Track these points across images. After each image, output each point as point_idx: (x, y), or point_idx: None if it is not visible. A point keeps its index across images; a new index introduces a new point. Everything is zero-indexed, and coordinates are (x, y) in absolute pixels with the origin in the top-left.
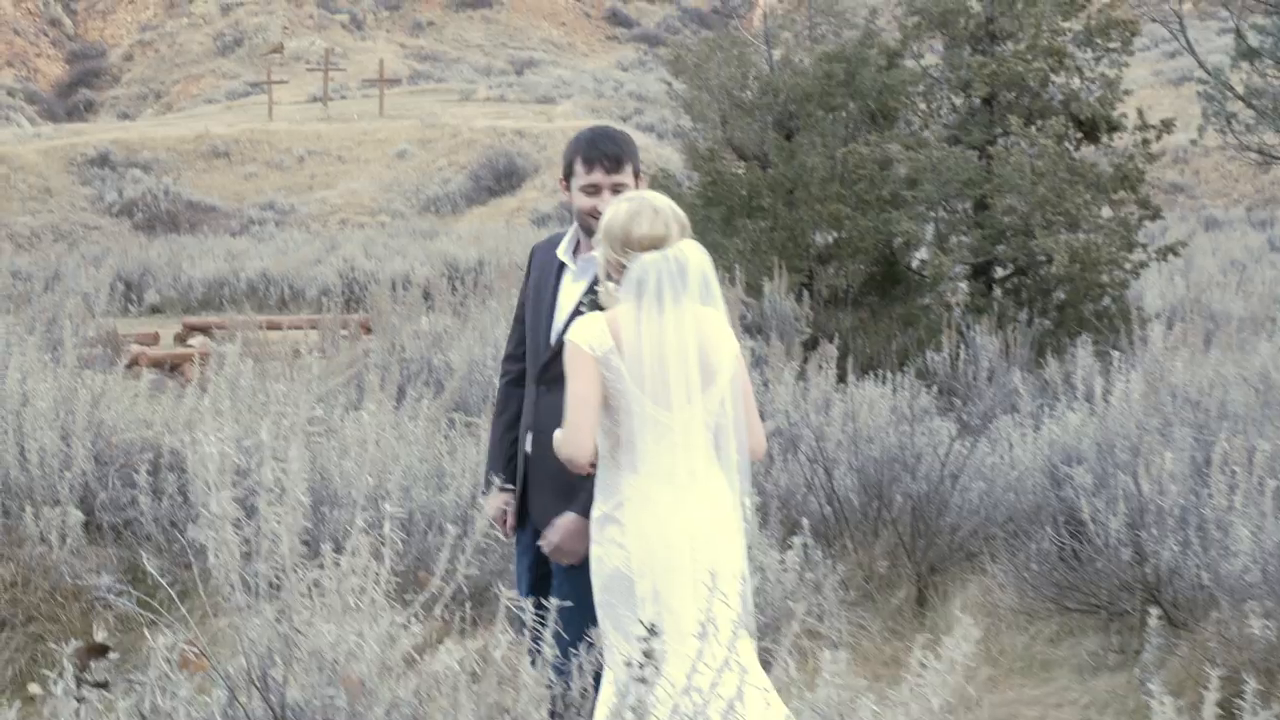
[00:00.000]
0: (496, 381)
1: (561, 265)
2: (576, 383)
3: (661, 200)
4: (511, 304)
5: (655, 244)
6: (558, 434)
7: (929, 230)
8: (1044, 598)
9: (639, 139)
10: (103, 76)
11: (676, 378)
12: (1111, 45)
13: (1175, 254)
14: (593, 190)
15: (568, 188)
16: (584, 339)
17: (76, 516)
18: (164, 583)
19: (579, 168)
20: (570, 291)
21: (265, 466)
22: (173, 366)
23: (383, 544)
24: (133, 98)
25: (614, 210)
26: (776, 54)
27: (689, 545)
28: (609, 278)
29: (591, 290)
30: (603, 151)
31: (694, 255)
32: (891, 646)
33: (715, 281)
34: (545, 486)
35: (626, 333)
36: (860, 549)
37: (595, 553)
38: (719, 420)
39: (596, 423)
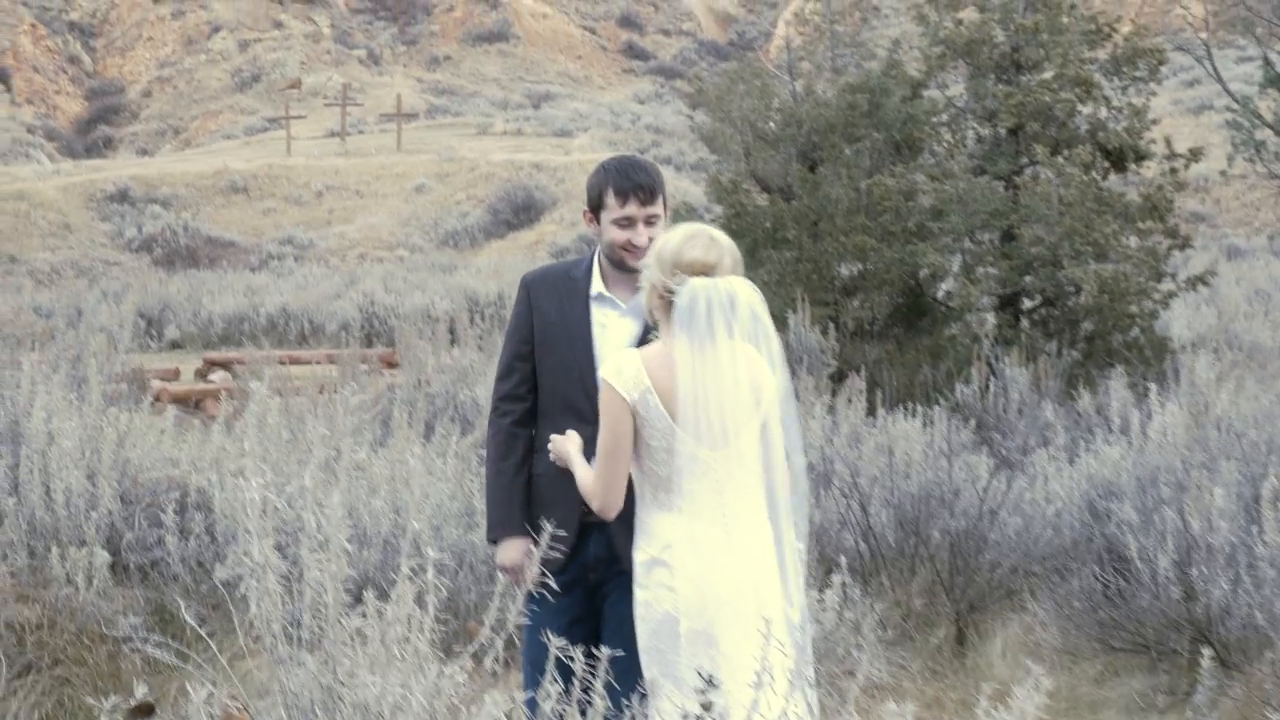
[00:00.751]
0: (501, 428)
1: (587, 298)
2: (609, 433)
3: (719, 233)
4: None
5: (705, 270)
6: (586, 482)
7: (955, 262)
8: (1088, 636)
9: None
10: (121, 113)
11: (725, 413)
12: (1138, 74)
13: (1205, 284)
14: (626, 223)
15: (595, 220)
16: (620, 380)
17: (103, 557)
18: (197, 627)
19: (611, 200)
20: (614, 326)
21: (307, 512)
22: (195, 403)
23: (426, 590)
24: (151, 134)
25: (670, 233)
26: (799, 85)
27: (740, 587)
28: (655, 302)
29: (645, 333)
30: (637, 183)
31: (744, 291)
32: (933, 687)
33: (767, 319)
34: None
35: (670, 369)
36: (897, 587)
37: (642, 598)
38: (766, 459)
39: (627, 474)
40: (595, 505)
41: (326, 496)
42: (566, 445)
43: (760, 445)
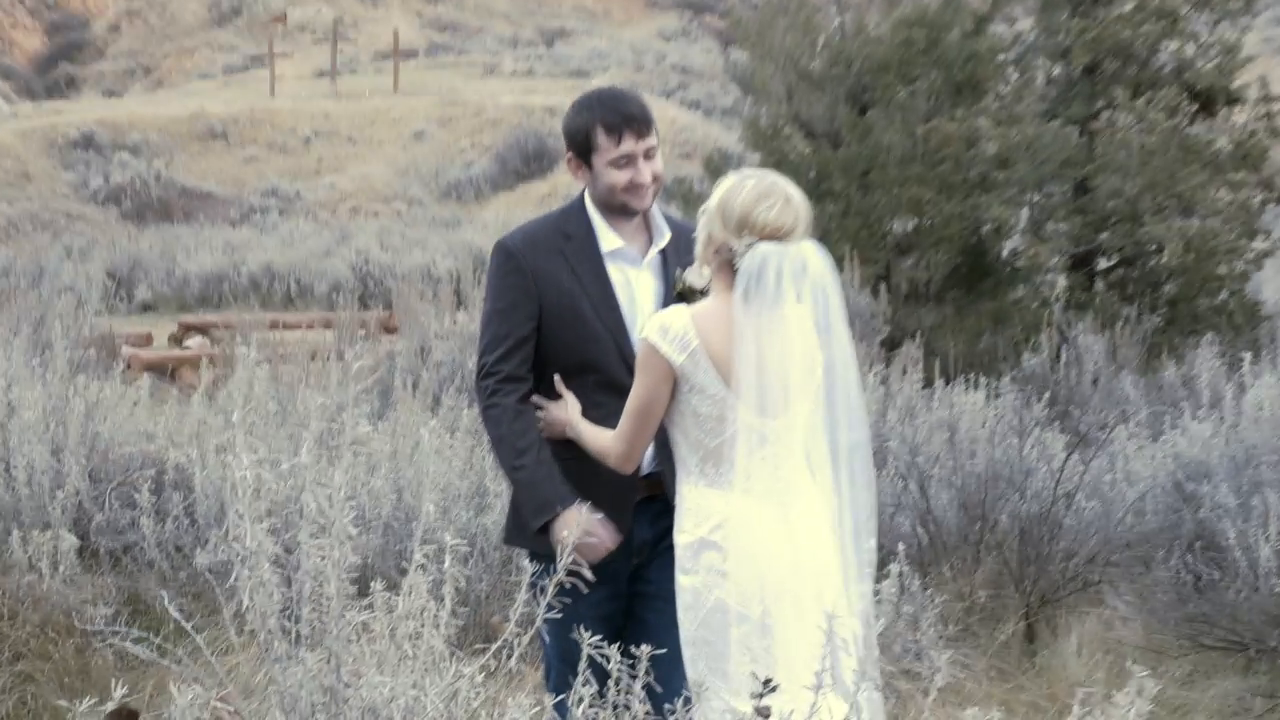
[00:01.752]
0: (506, 406)
1: (599, 256)
2: (644, 393)
3: (794, 188)
4: None
5: (778, 234)
6: (601, 442)
7: (1022, 216)
8: (1175, 633)
9: (684, 118)
10: (86, 50)
11: (789, 383)
12: (1231, 6)
13: None
14: (625, 162)
15: (583, 166)
16: (665, 340)
17: (70, 541)
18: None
19: (602, 140)
20: (635, 282)
21: (307, 493)
22: (171, 371)
23: (442, 580)
24: (119, 73)
25: (734, 185)
26: (848, 18)
27: (801, 572)
28: (710, 256)
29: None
30: (629, 114)
31: (815, 258)
32: (999, 689)
33: (837, 287)
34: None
35: (725, 329)
36: (960, 577)
37: (688, 585)
38: (832, 436)
39: (653, 437)
40: (612, 461)
41: (326, 475)
42: (564, 412)
43: (825, 419)
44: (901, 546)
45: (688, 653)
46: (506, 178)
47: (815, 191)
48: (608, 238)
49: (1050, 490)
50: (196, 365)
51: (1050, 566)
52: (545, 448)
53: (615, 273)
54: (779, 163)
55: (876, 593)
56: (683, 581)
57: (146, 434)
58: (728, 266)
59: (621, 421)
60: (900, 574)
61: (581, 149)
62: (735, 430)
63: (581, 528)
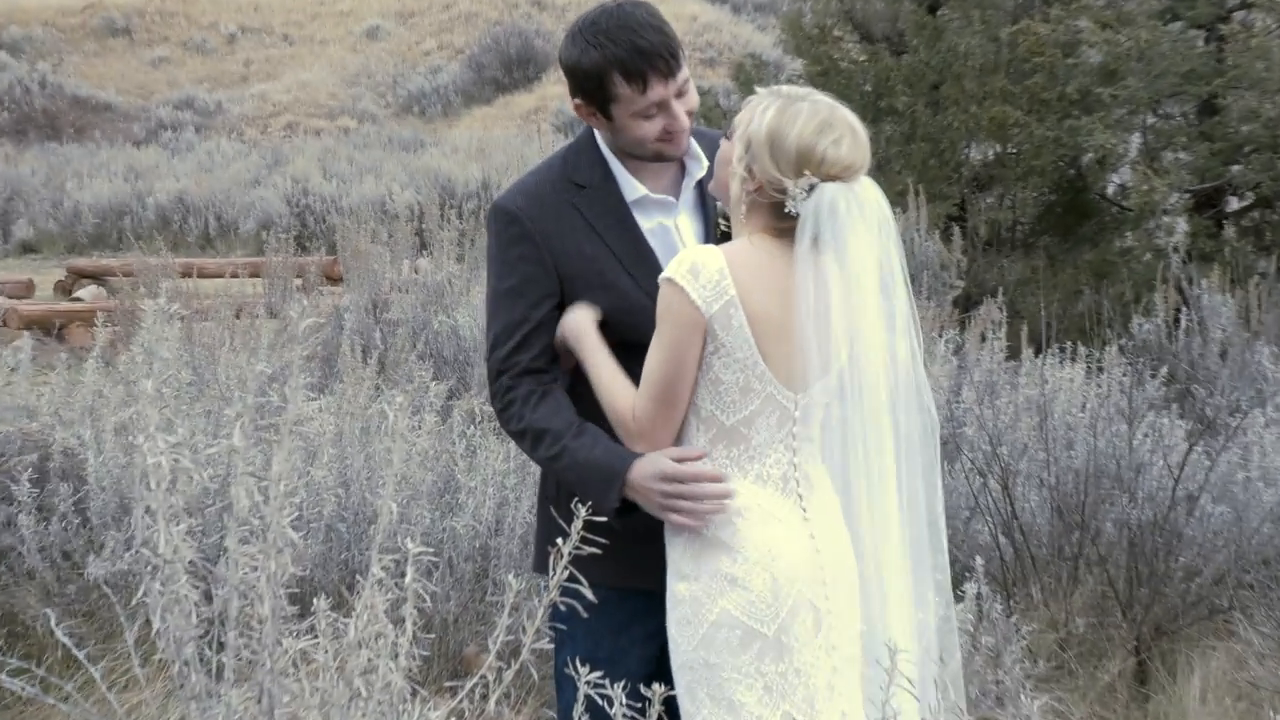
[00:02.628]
0: (520, 395)
1: (624, 205)
2: (669, 354)
3: (854, 117)
4: None
5: (845, 174)
6: (618, 397)
7: (1133, 144)
8: None
9: (707, 14)
10: None
11: (851, 349)
12: None
13: None
14: (656, 110)
15: (597, 115)
16: (695, 285)
17: None
18: (70, 645)
19: (622, 88)
20: (684, 230)
21: (236, 486)
22: (59, 329)
23: (403, 598)
24: None
25: (783, 111)
26: None
27: (824, 580)
28: (754, 197)
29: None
30: (650, 50)
31: (879, 203)
32: None
33: (898, 245)
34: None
35: (764, 278)
36: (1053, 601)
37: (685, 593)
38: (894, 418)
39: (683, 413)
40: (624, 433)
41: (261, 462)
42: (580, 324)
43: (889, 398)
44: (979, 561)
45: (682, 680)
46: (483, 88)
47: (873, 110)
48: (631, 184)
49: (1168, 491)
50: (90, 321)
51: (1167, 588)
52: (586, 423)
53: (647, 223)
54: (826, 73)
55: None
56: (679, 590)
57: (26, 409)
58: (770, 209)
59: (641, 390)
60: (978, 596)
61: (594, 96)
62: (759, 405)
63: (660, 462)
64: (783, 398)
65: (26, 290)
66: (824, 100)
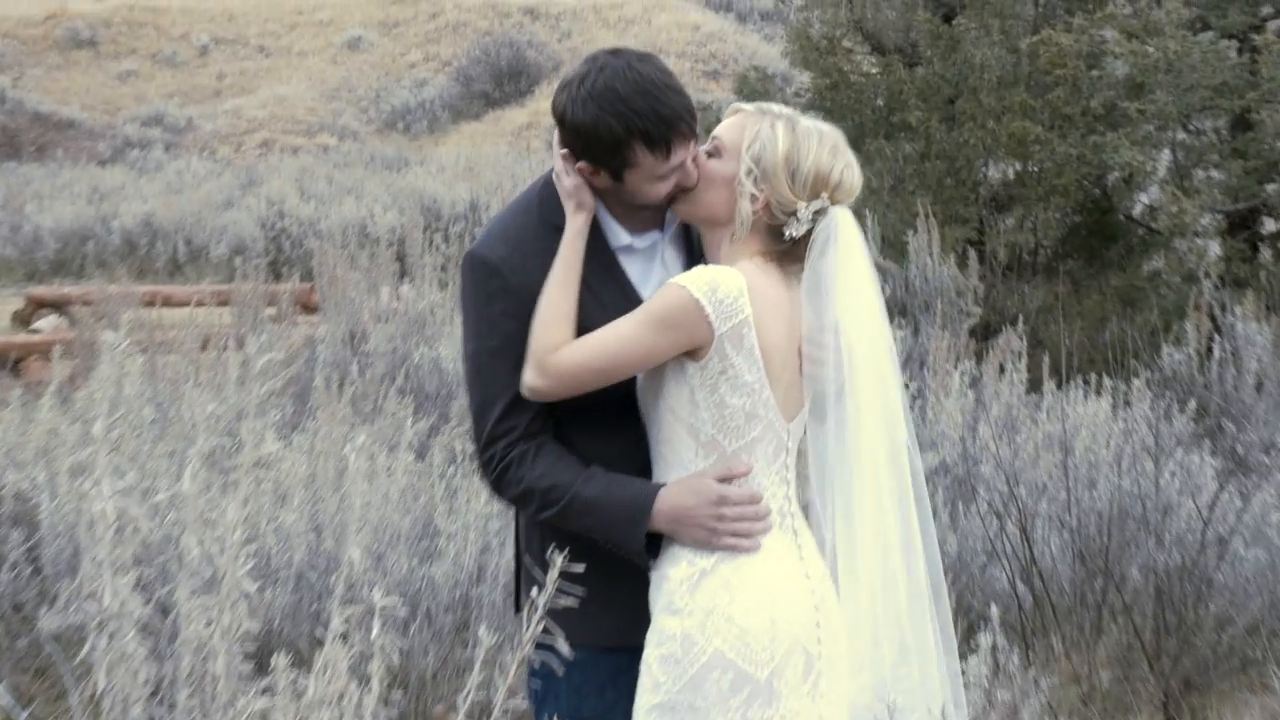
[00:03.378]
0: (515, 458)
1: (610, 253)
2: (647, 341)
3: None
4: None
5: (850, 198)
6: (552, 337)
7: (1162, 161)
8: None
9: (710, 23)
10: None
11: (852, 377)
12: None
13: None
14: (671, 172)
15: (600, 173)
16: (712, 300)
17: None
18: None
19: (645, 157)
20: (655, 275)
21: (189, 534)
22: (15, 362)
23: (369, 654)
24: None
25: (800, 137)
26: None
27: (816, 623)
28: (762, 215)
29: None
30: (672, 116)
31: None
32: None
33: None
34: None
35: (774, 303)
36: (1075, 652)
37: (677, 630)
38: (890, 447)
39: (590, 388)
40: (532, 361)
41: (217, 508)
42: (576, 231)
43: (885, 426)
44: (995, 609)
45: None
46: (471, 103)
47: (885, 126)
48: (616, 231)
49: (1197, 534)
50: (49, 355)
51: (1197, 638)
52: (592, 466)
53: (634, 269)
54: (835, 86)
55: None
56: (669, 626)
57: None
58: (769, 230)
59: (580, 344)
60: (994, 647)
61: (608, 162)
62: (760, 432)
63: (721, 493)
64: (779, 426)
65: None
66: (817, 122)
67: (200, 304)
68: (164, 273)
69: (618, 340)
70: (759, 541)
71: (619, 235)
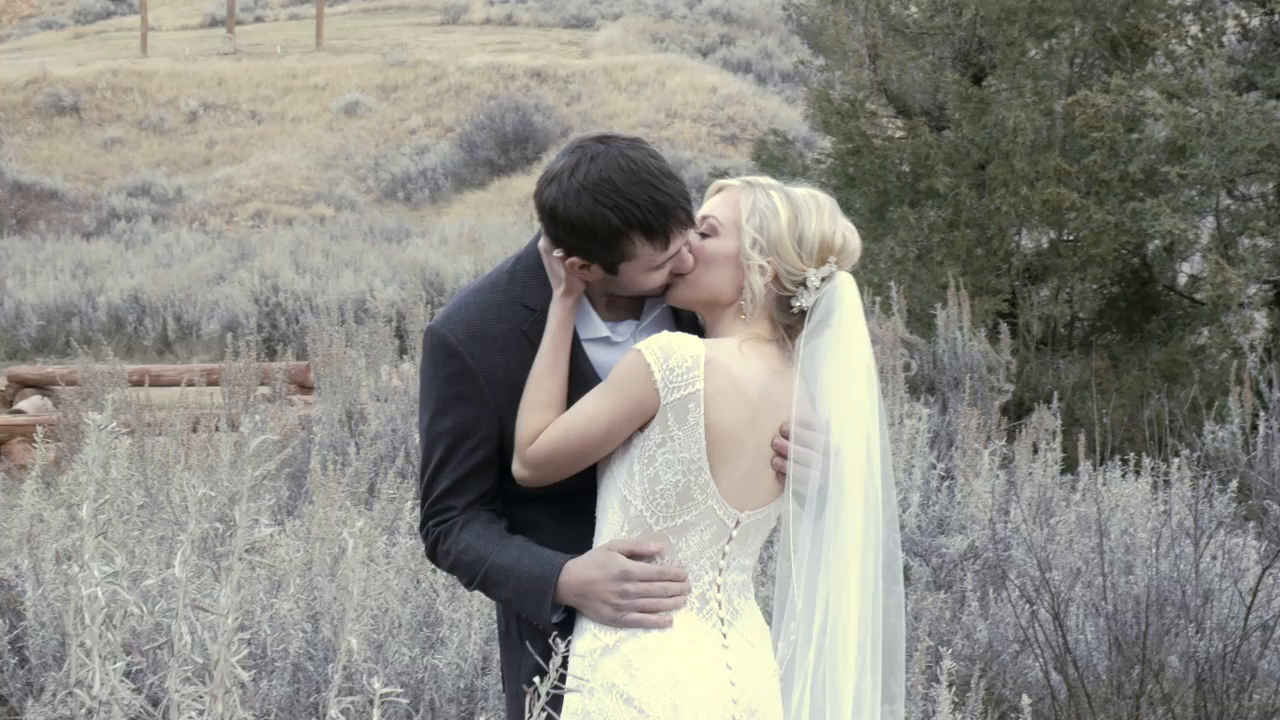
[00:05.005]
0: (443, 530)
1: (577, 343)
2: (605, 414)
3: None
4: None
5: (851, 262)
6: (533, 423)
7: (1205, 229)
8: None
9: (732, 86)
10: None
11: (842, 457)
12: None
13: None
14: (667, 261)
15: (592, 269)
16: (663, 365)
17: None
18: None
19: (644, 248)
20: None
21: (178, 621)
22: None
23: None
24: None
25: (798, 204)
26: None
27: (739, 714)
28: (772, 287)
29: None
30: (670, 205)
31: None
32: None
33: None
34: None
35: (739, 396)
36: None
37: (576, 706)
38: (866, 533)
39: (570, 473)
40: (520, 460)
41: (209, 594)
42: (563, 314)
43: (867, 510)
44: (1027, 700)
45: None
46: (475, 170)
47: (910, 193)
48: (592, 322)
49: (1240, 620)
50: (32, 437)
51: None
52: (512, 536)
53: (603, 356)
54: (857, 151)
55: None
56: (570, 702)
57: None
58: (778, 303)
59: (552, 429)
60: None
61: (602, 256)
62: (694, 517)
63: (626, 569)
64: (723, 512)
65: None
66: (811, 189)
67: (190, 383)
68: (153, 350)
69: (583, 418)
70: (668, 619)
71: (596, 326)
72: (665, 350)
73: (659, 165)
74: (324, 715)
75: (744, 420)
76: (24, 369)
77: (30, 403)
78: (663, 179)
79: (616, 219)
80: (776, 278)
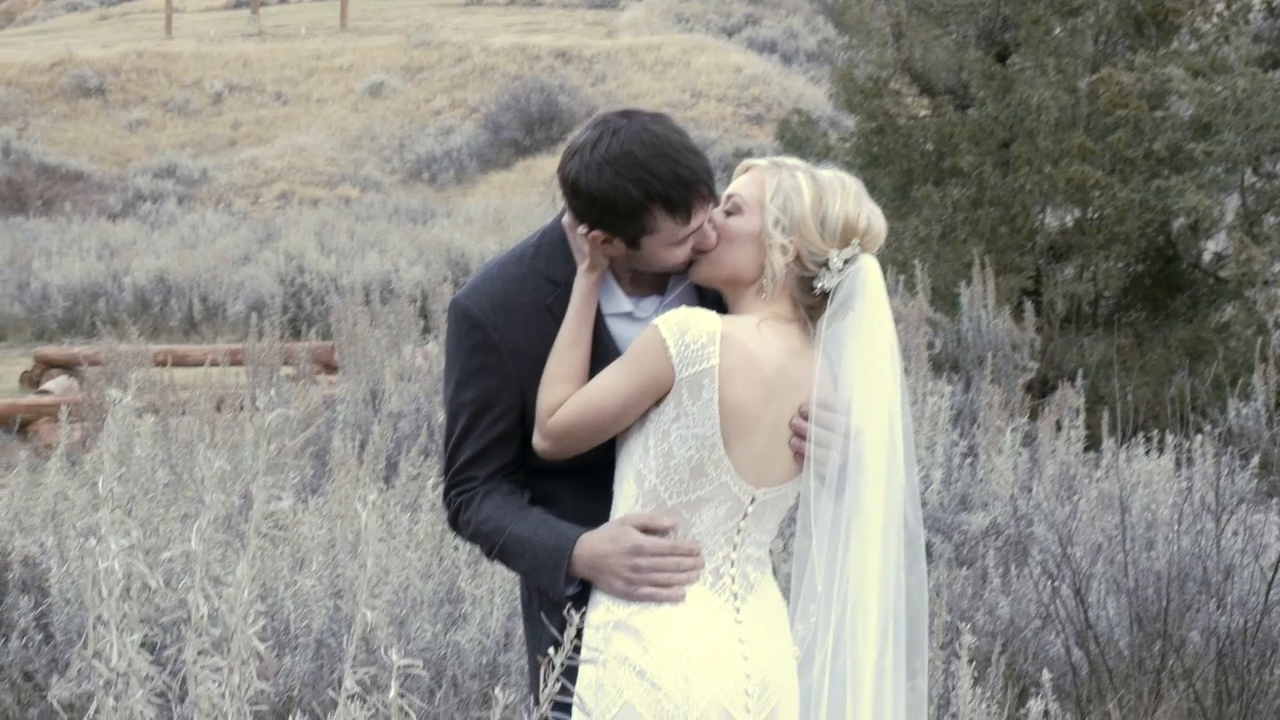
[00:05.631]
0: (465, 500)
1: (601, 319)
2: (621, 389)
3: None
4: None
5: (876, 245)
6: (554, 396)
7: (1230, 206)
8: None
9: (758, 65)
10: None
11: (864, 436)
12: None
13: None
14: (689, 236)
15: (615, 243)
16: (679, 340)
17: None
18: None
19: (665, 222)
20: None
21: (194, 592)
22: (22, 425)
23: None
24: None
25: (824, 186)
26: None
27: (748, 693)
28: (793, 268)
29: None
30: (692, 179)
31: None
32: None
33: None
34: None
35: (754, 372)
36: (1133, 719)
37: (591, 678)
38: (886, 512)
39: (590, 446)
40: (540, 432)
41: (231, 570)
42: (588, 288)
43: (887, 487)
44: (1047, 675)
45: None
46: (500, 151)
47: (934, 171)
48: (615, 297)
49: (1261, 596)
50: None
51: (1261, 704)
52: (531, 507)
53: (626, 331)
54: (881, 130)
55: None
56: (585, 674)
57: None
58: (800, 283)
59: (572, 402)
60: (1046, 714)
61: (624, 230)
62: (709, 492)
63: (638, 543)
64: (738, 489)
65: None
66: (836, 171)
67: (214, 363)
68: (179, 331)
69: (601, 391)
70: (681, 593)
71: (620, 301)
72: (681, 325)
73: (681, 140)
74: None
75: (759, 397)
76: (50, 350)
77: (57, 383)
78: (685, 153)
79: (637, 192)
80: (798, 258)
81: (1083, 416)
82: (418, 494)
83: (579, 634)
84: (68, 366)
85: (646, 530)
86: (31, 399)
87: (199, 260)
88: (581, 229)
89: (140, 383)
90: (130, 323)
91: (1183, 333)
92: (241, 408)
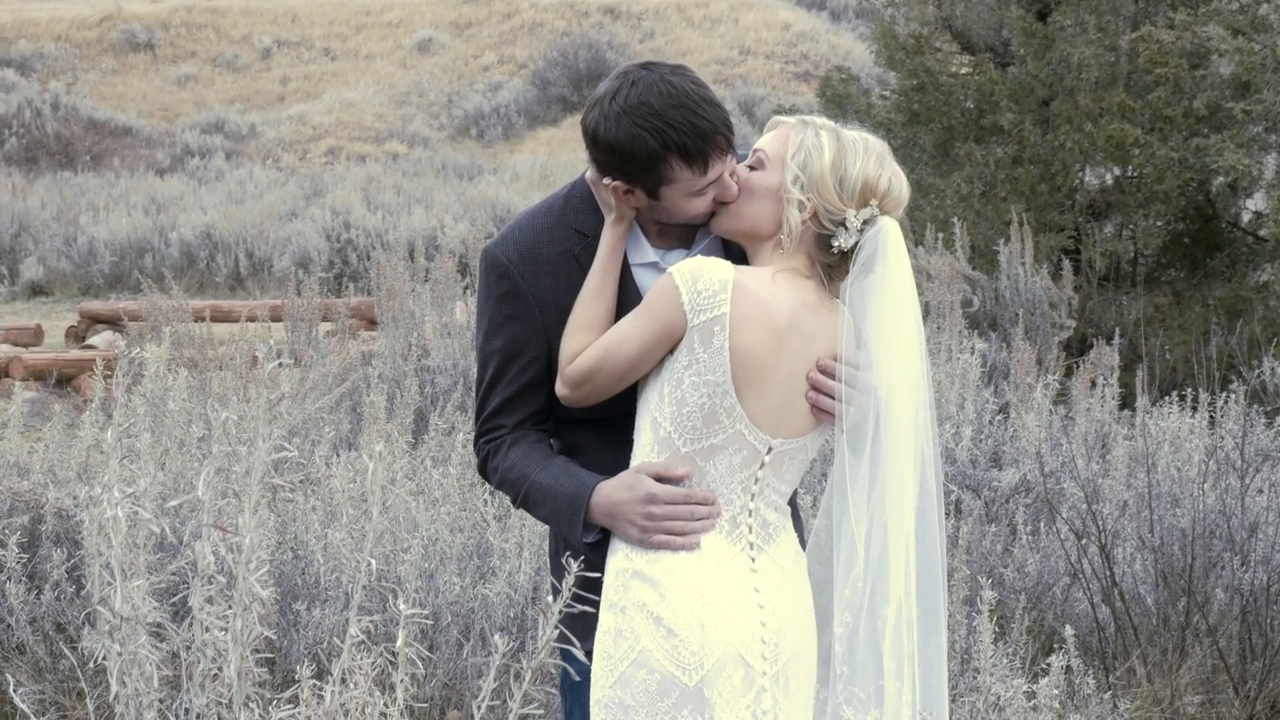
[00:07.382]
0: (493, 448)
1: (627, 268)
2: (636, 338)
3: None
4: None
5: (897, 208)
6: (576, 343)
7: (1269, 165)
8: None
9: (806, 22)
10: None
11: (891, 396)
12: None
13: None
14: (709, 187)
15: (634, 192)
16: (691, 287)
17: None
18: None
19: (682, 172)
20: None
21: (204, 540)
22: (64, 380)
23: (394, 664)
24: None
25: (846, 146)
26: None
27: (762, 637)
28: (809, 224)
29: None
30: (709, 130)
31: None
32: None
33: None
34: None
35: (766, 321)
36: (1157, 675)
37: (610, 624)
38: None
39: (609, 394)
40: (560, 379)
41: (236, 513)
42: (615, 240)
43: (915, 447)
44: (1071, 631)
45: (597, 718)
46: (548, 108)
47: (975, 129)
48: (641, 247)
49: None
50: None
51: None
52: (554, 455)
53: (651, 282)
54: (922, 88)
55: (1030, 695)
56: (604, 620)
57: (19, 468)
58: (816, 240)
59: (592, 349)
60: (1068, 669)
61: (643, 180)
62: (723, 440)
63: (651, 492)
64: (753, 437)
65: (35, 337)
66: (860, 132)
67: (252, 319)
68: (224, 287)
69: (618, 338)
70: (695, 541)
71: (646, 252)
72: (694, 273)
73: (700, 91)
74: (377, 640)
75: (770, 346)
76: (96, 304)
77: (102, 338)
78: (702, 104)
79: (654, 142)
80: (815, 215)
81: (1117, 375)
82: (450, 450)
83: (588, 583)
84: (113, 321)
85: (661, 479)
86: (77, 353)
87: (246, 216)
88: (606, 181)
89: (179, 337)
90: (175, 279)
91: (1221, 292)
92: (282, 363)
